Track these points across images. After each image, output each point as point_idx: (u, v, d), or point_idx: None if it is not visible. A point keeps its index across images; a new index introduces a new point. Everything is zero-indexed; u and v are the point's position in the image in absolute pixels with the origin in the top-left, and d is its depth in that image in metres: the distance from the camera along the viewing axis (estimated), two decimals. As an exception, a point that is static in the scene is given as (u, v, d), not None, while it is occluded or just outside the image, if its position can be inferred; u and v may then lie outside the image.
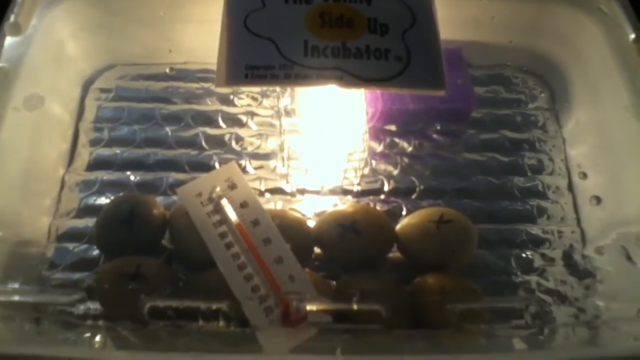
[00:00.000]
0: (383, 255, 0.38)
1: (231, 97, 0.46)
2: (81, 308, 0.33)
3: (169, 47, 0.46)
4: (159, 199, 0.41)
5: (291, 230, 0.35)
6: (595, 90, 0.43)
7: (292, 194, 0.42)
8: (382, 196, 0.42)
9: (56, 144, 0.43)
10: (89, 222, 0.40)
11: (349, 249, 0.36)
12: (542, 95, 0.47)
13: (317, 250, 0.38)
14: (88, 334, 0.31)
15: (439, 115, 0.45)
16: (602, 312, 0.35)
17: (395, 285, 0.35)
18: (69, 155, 0.43)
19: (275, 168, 0.43)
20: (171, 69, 0.47)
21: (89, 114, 0.45)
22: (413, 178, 0.43)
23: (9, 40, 0.39)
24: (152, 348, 0.30)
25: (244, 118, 0.45)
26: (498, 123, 0.46)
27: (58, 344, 0.30)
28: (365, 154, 0.42)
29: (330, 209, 0.40)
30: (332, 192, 0.42)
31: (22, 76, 0.39)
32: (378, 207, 0.41)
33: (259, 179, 0.42)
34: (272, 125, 0.45)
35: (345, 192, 0.42)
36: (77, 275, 0.38)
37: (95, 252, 0.39)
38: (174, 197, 0.41)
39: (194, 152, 0.43)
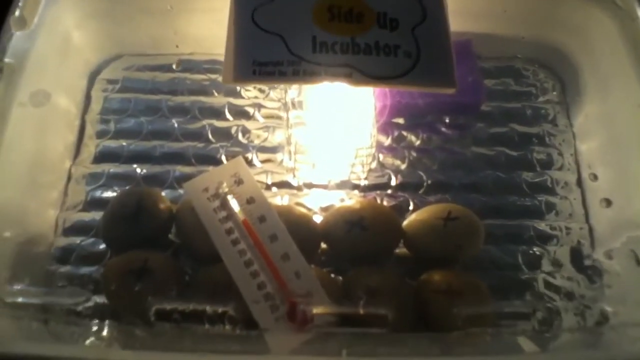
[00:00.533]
0: (390, 251, 0.38)
1: (238, 89, 0.45)
2: (88, 306, 0.33)
3: (176, 38, 0.46)
4: (166, 192, 0.41)
5: (297, 226, 0.35)
6: (607, 84, 0.42)
7: (299, 188, 0.42)
8: (390, 191, 0.42)
9: (63, 136, 0.43)
10: (96, 215, 0.40)
11: (356, 246, 0.36)
12: (553, 88, 0.46)
13: (323, 245, 0.37)
14: (94, 334, 0.31)
15: (448, 109, 0.44)
16: (610, 317, 0.34)
17: (402, 281, 0.35)
18: (76, 148, 0.43)
19: (282, 161, 0.43)
20: (177, 63, 0.46)
21: (96, 106, 0.45)
22: (421, 172, 0.42)
23: (15, 35, 0.38)
24: (159, 347, 0.30)
25: (250, 110, 0.45)
26: (507, 116, 0.45)
27: (65, 343, 0.30)
28: (373, 149, 0.41)
29: (337, 203, 0.40)
30: (339, 186, 0.42)
31: (29, 70, 0.38)
32: (385, 202, 0.41)
33: (266, 172, 0.42)
34: (279, 117, 0.44)
35: (353, 186, 0.42)
36: (84, 270, 0.38)
37: (103, 245, 0.39)
38: (181, 191, 0.41)
39: (200, 145, 0.43)
